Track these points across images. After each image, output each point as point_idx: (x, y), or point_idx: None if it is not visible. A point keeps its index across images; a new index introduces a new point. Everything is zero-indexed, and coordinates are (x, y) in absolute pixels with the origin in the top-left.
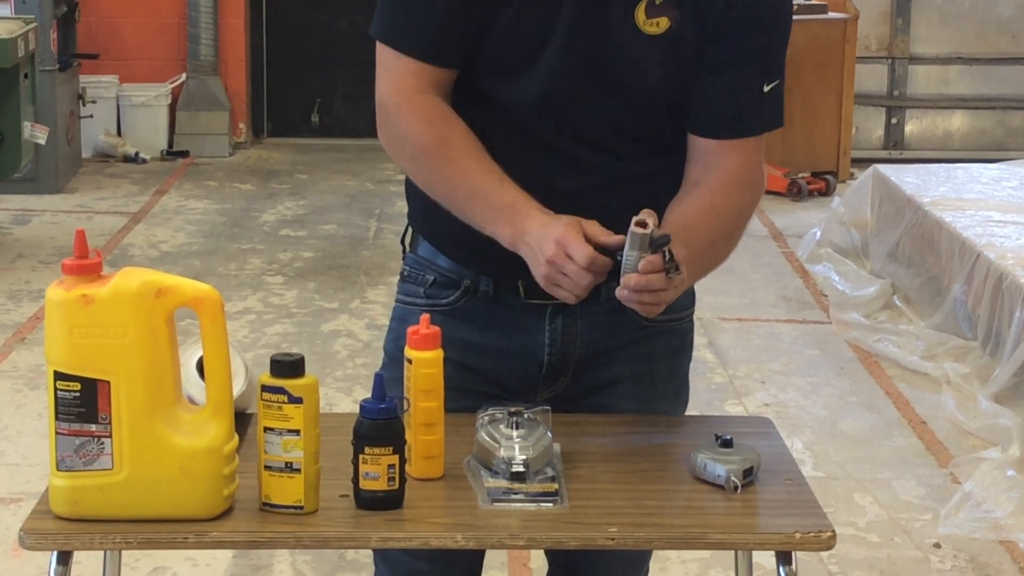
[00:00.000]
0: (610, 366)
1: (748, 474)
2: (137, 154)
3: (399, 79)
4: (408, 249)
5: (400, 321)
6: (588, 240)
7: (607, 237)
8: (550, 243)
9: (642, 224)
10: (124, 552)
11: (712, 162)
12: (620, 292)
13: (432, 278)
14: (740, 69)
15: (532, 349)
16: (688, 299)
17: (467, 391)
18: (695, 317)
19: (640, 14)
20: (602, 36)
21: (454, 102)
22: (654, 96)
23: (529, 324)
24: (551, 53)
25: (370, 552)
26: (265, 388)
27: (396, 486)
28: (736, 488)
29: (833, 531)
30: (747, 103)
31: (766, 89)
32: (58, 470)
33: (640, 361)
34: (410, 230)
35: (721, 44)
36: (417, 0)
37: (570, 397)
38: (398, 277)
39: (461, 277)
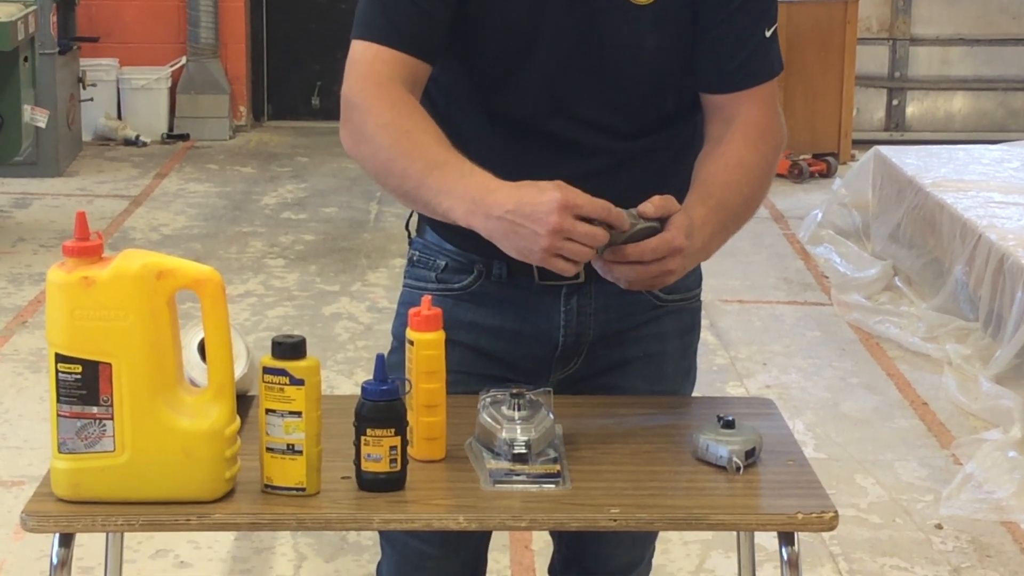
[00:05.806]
0: (622, 346)
1: (750, 455)
2: (137, 137)
3: (367, 66)
4: (415, 234)
5: (409, 306)
6: None
7: (590, 204)
8: (551, 212)
9: (638, 214)
10: (126, 534)
11: (731, 116)
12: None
13: (444, 263)
14: (741, 18)
15: (547, 330)
16: (696, 279)
17: (480, 375)
18: None
19: None
20: (593, 15)
21: (455, 116)
22: (653, 68)
23: (544, 305)
24: (544, 42)
25: (372, 534)
26: (267, 370)
27: (398, 468)
28: (738, 469)
29: (836, 511)
30: (753, 49)
31: (767, 34)
32: (60, 452)
33: (652, 341)
34: (415, 216)
35: None
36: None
37: (582, 378)
38: (400, 260)
39: (472, 262)
